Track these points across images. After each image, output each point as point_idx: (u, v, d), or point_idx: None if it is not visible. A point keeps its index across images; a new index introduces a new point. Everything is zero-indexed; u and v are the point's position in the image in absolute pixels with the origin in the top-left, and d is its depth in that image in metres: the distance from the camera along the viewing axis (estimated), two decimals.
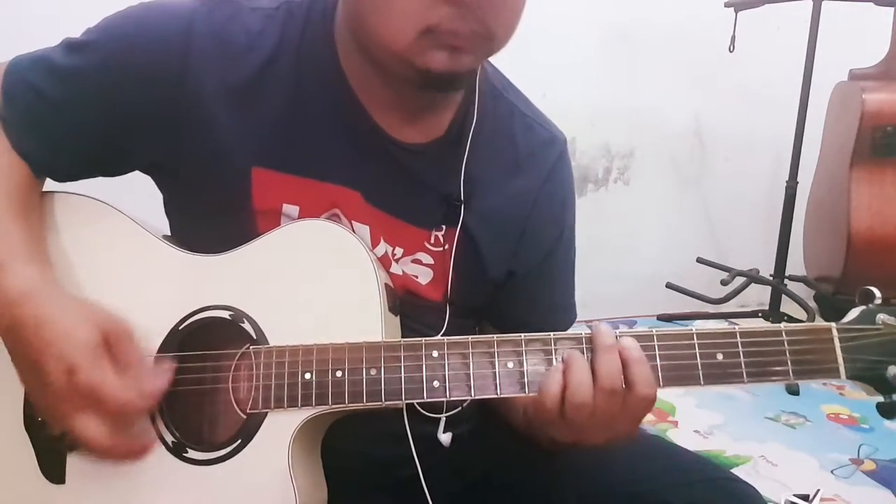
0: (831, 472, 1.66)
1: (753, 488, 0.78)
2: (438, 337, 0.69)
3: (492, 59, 0.86)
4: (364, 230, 0.76)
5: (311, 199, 0.74)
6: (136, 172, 0.79)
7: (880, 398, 0.66)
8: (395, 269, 0.77)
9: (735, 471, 0.82)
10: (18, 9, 1.69)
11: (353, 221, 0.76)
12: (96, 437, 0.63)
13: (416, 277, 0.79)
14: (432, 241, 0.78)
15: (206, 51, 0.71)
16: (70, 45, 0.74)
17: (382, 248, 0.77)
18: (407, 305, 0.76)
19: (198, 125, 0.72)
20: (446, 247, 0.78)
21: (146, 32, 0.71)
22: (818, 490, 1.33)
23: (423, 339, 0.68)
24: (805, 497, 1.13)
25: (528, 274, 0.84)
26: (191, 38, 0.71)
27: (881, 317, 0.65)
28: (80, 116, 0.72)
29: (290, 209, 0.74)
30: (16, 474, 0.70)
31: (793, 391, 2.04)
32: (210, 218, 0.75)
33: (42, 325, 0.64)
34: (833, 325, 0.65)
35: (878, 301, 0.66)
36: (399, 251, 0.78)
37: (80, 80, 0.72)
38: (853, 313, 0.67)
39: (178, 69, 0.70)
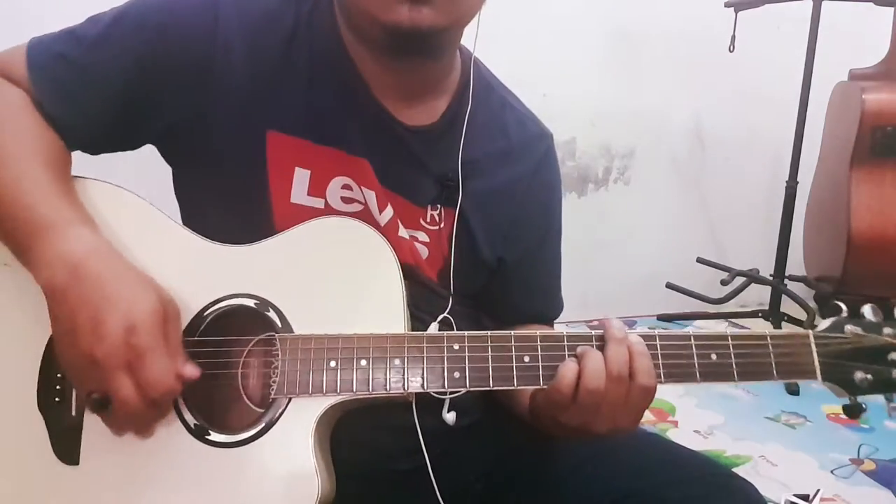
0: (831, 472, 1.66)
1: (752, 485, 0.79)
2: (457, 331, 0.73)
3: (492, 60, 0.88)
4: (371, 196, 0.79)
5: (323, 164, 0.78)
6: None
7: (846, 400, 0.74)
8: (403, 233, 0.81)
9: (735, 471, 0.82)
10: (18, 9, 1.69)
11: (363, 188, 0.79)
12: (128, 398, 0.64)
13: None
14: (428, 219, 0.82)
15: (233, 22, 0.76)
16: (94, 19, 0.77)
17: (389, 212, 0.80)
18: (409, 285, 0.76)
19: (223, 88, 0.76)
20: (442, 225, 0.83)
21: (178, 4, 0.76)
22: (818, 490, 1.34)
23: (445, 332, 0.72)
24: (805, 497, 1.13)
25: (521, 261, 0.89)
26: (218, 10, 0.75)
27: (849, 328, 0.73)
28: (109, 79, 0.75)
29: (302, 173, 0.78)
30: (28, 455, 0.70)
31: (793, 391, 2.04)
32: (224, 180, 0.78)
33: (108, 281, 0.65)
34: (810, 332, 0.73)
35: (845, 315, 0.75)
36: (400, 220, 0.81)
37: (109, 44, 0.75)
38: (825, 323, 0.75)
39: (210, 31, 0.75)
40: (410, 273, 0.78)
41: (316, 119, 0.78)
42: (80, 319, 0.64)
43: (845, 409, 0.74)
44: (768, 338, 0.72)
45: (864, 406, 0.73)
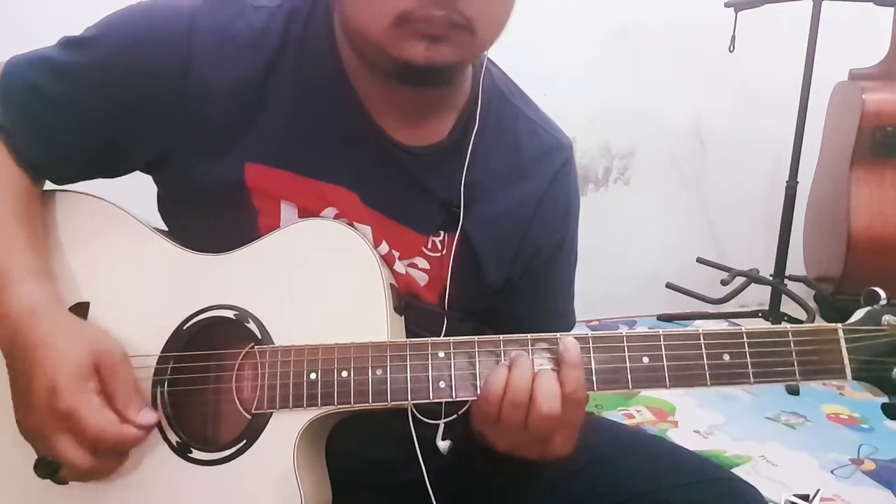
0: (831, 472, 1.66)
1: (754, 488, 0.78)
2: (444, 337, 0.69)
3: (494, 60, 0.87)
4: (367, 230, 0.75)
5: (308, 197, 0.74)
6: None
7: (885, 399, 0.66)
8: (399, 267, 0.77)
9: (735, 471, 0.82)
10: (18, 9, 1.69)
11: (355, 223, 0.75)
12: (74, 460, 0.63)
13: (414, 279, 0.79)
14: (429, 246, 0.78)
15: (209, 48, 0.71)
16: (69, 42, 0.73)
17: (384, 248, 0.77)
18: (408, 307, 0.75)
19: (197, 123, 0.72)
20: (443, 252, 0.78)
21: (149, 29, 0.71)
22: (818, 490, 1.33)
23: (430, 339, 0.68)
24: (805, 497, 1.13)
25: (527, 279, 0.83)
26: (193, 35, 0.71)
27: (887, 318, 0.65)
28: (80, 113, 0.72)
29: (288, 207, 0.74)
30: (16, 476, 0.70)
31: (793, 391, 2.04)
32: (211, 215, 0.75)
33: (38, 345, 0.64)
34: (839, 325, 0.65)
35: (884, 302, 0.66)
36: (396, 254, 0.77)
37: (80, 77, 0.71)
38: (859, 314, 0.67)
39: (181, 66, 0.70)
40: (407, 302, 0.75)
41: (302, 149, 0.74)
42: (16, 388, 0.65)
43: (885, 408, 0.66)
44: (790, 334, 0.65)
45: None
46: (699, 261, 2.54)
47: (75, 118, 0.72)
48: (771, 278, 2.32)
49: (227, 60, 0.71)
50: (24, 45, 0.76)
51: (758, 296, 2.53)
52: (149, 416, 0.66)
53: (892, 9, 2.15)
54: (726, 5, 2.21)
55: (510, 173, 0.81)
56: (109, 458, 0.66)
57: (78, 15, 0.77)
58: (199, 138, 0.72)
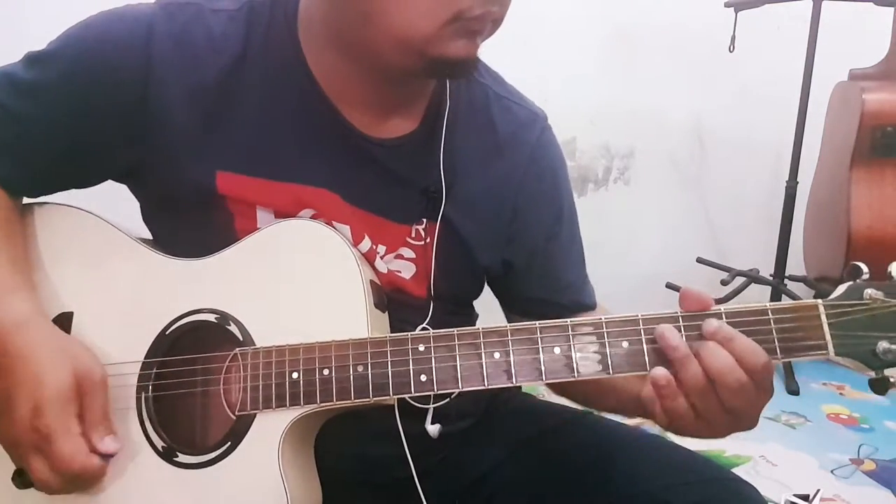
0: (831, 472, 1.66)
1: (754, 488, 0.78)
2: (424, 331, 0.69)
3: (492, 61, 0.87)
4: (345, 230, 0.75)
5: (283, 202, 0.74)
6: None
7: (872, 374, 0.64)
8: (380, 265, 0.77)
9: (735, 471, 0.82)
10: (19, 8, 1.69)
11: (332, 222, 0.75)
12: (44, 479, 0.64)
13: (399, 272, 0.78)
14: (413, 235, 0.78)
15: (168, 55, 0.71)
16: (31, 59, 0.73)
17: (367, 244, 0.76)
18: (393, 303, 0.75)
19: (162, 130, 0.71)
20: (427, 240, 0.78)
21: (107, 40, 0.71)
22: (818, 490, 1.33)
23: (409, 333, 0.68)
24: (805, 497, 1.13)
25: (535, 257, 0.83)
26: (151, 43, 0.70)
27: (868, 292, 0.63)
28: (46, 129, 0.72)
29: (265, 212, 0.74)
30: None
31: (793, 391, 2.04)
32: (188, 222, 0.75)
33: (23, 359, 0.64)
34: (819, 301, 0.64)
35: (866, 277, 0.65)
36: (382, 248, 0.77)
37: (43, 93, 0.71)
38: (840, 289, 0.65)
39: (140, 75, 0.70)
40: (392, 298, 0.75)
41: (272, 153, 0.73)
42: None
43: (871, 384, 0.64)
44: (769, 311, 0.63)
45: (891, 379, 0.63)
46: (699, 261, 2.54)
47: (41, 134, 0.72)
48: (771, 278, 2.32)
49: (187, 65, 0.71)
50: (23, 46, 0.76)
51: (758, 296, 2.52)
52: (111, 445, 0.66)
53: (892, 9, 2.15)
54: (726, 5, 2.21)
55: (488, 152, 0.81)
56: (78, 482, 0.66)
57: (77, 16, 0.77)
58: (167, 147, 0.72)
